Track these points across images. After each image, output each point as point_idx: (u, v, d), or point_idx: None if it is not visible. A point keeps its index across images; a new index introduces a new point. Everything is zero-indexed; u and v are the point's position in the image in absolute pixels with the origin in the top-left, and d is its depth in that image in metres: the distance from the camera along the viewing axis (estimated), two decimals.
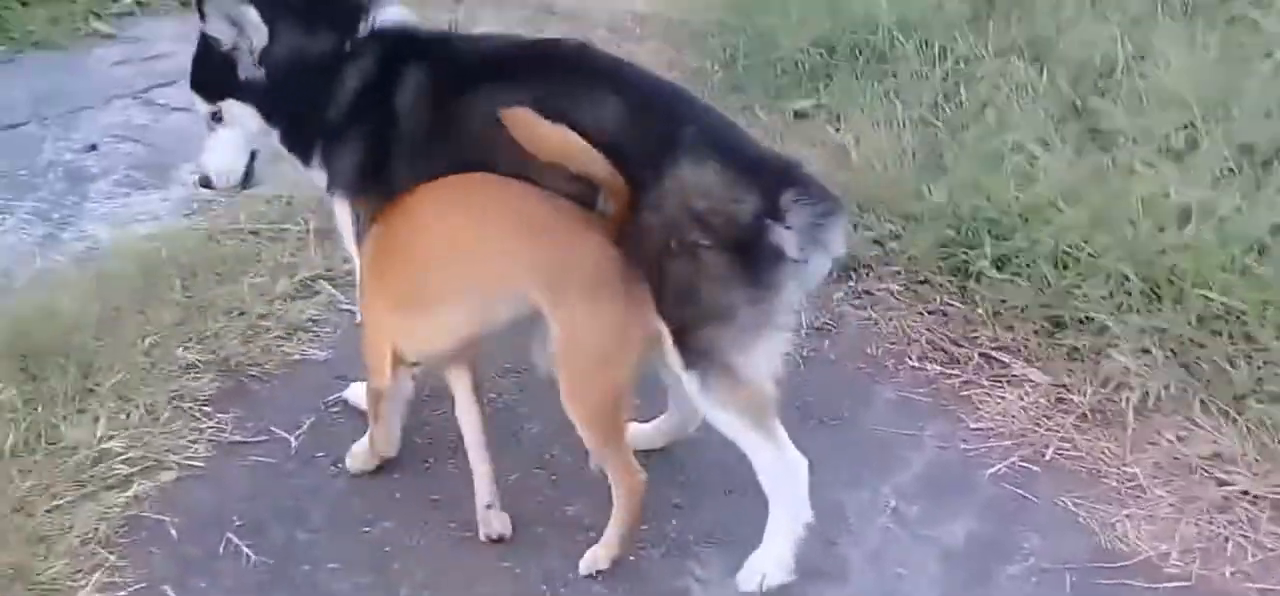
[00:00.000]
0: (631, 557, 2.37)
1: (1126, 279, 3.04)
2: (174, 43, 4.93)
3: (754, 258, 2.16)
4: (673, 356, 2.21)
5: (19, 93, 4.44)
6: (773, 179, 2.18)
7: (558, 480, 2.60)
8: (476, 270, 2.25)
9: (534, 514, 2.49)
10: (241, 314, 3.06)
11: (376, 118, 2.37)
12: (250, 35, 2.32)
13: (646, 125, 2.23)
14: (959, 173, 3.54)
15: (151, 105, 4.45)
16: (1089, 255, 3.13)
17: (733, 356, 2.19)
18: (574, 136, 2.14)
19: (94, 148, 4.06)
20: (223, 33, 2.34)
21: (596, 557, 2.32)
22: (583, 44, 2.50)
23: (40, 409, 2.62)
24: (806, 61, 4.58)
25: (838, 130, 4.13)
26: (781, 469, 2.28)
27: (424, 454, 2.66)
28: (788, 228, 2.13)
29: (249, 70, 2.36)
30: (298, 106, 2.40)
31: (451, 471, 2.59)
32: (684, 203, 2.15)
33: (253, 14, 2.31)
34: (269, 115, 2.41)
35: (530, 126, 2.16)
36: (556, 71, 2.36)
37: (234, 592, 2.28)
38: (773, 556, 2.30)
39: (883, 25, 4.51)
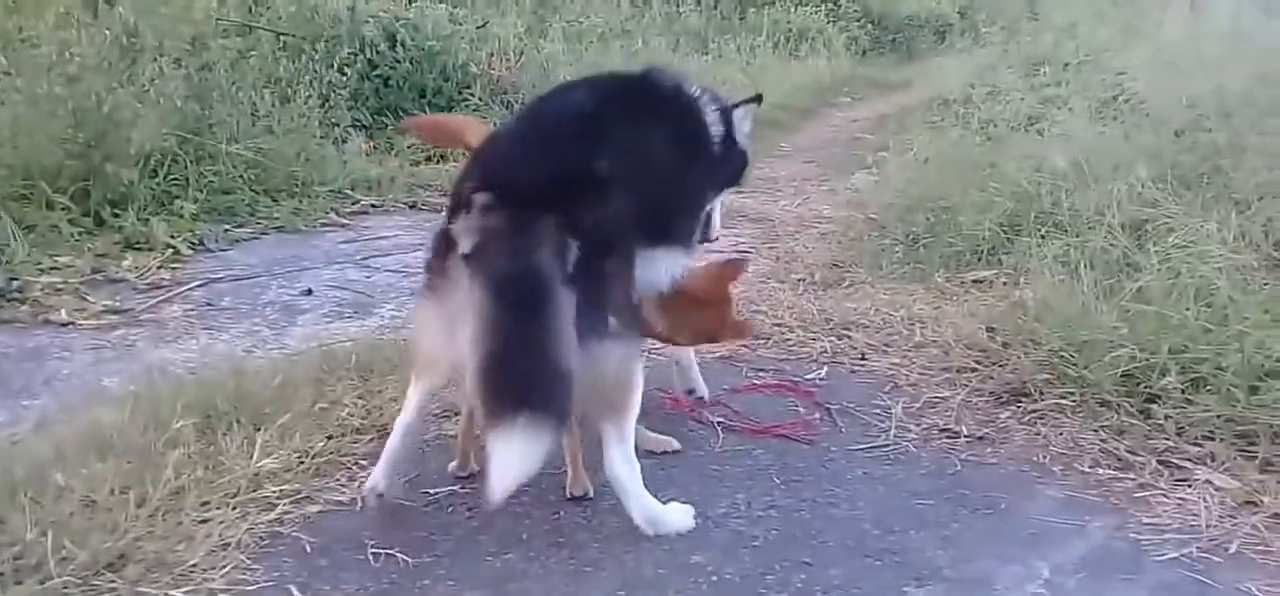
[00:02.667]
0: None
1: None
2: (397, 231, 5.49)
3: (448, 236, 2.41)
4: None
5: (255, 258, 4.96)
6: (484, 175, 2.43)
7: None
8: None
9: (659, 559, 2.43)
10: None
11: None
12: None
13: None
14: (1141, 304, 3.36)
15: (366, 267, 4.87)
16: None
17: None
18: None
19: (309, 292, 4.45)
20: None
21: None
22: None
23: (210, 446, 2.80)
24: (987, 239, 4.54)
25: (1017, 287, 4.02)
26: None
27: (556, 506, 2.66)
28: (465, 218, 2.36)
29: None
30: None
31: (579, 520, 2.59)
32: None
33: None
34: None
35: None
36: None
37: (356, 593, 2.31)
38: None
39: (1066, 205, 4.43)
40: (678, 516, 2.54)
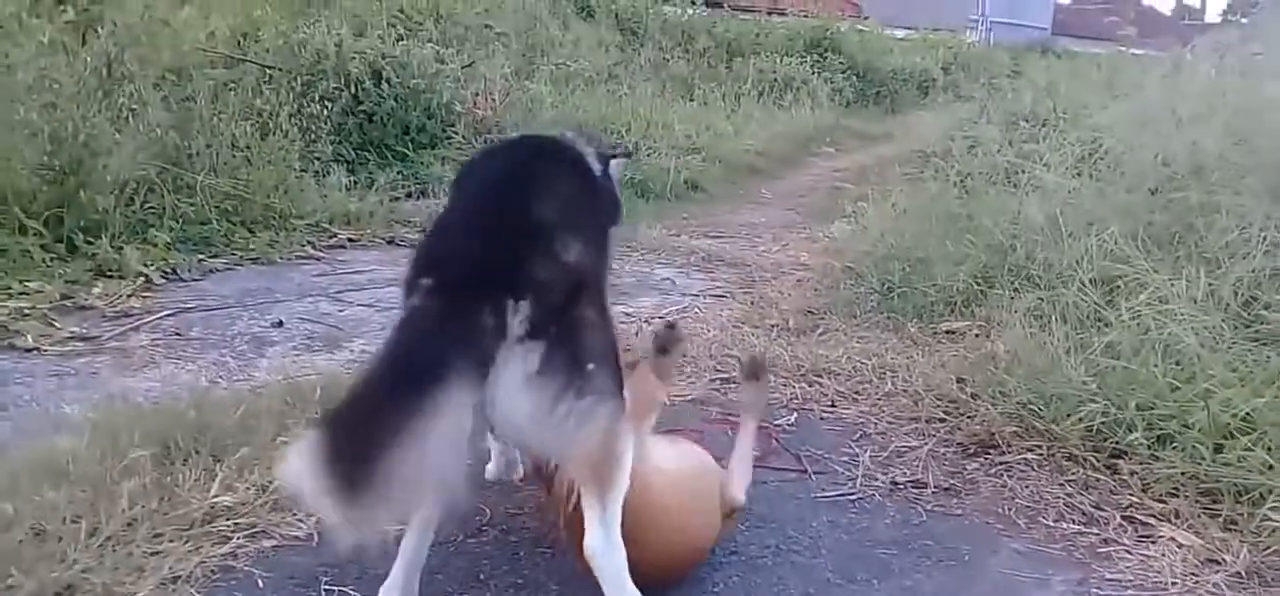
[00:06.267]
0: None
1: None
2: (373, 266, 5.46)
3: None
4: None
5: (228, 289, 4.93)
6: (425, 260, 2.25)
7: None
8: None
9: None
10: None
11: None
12: None
13: None
14: (1110, 360, 3.36)
15: (339, 301, 4.83)
16: (1248, 426, 2.87)
17: None
18: None
19: (280, 324, 4.41)
20: None
21: None
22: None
23: (167, 477, 2.76)
24: (961, 291, 4.56)
25: (988, 339, 4.03)
26: None
27: (516, 549, 2.63)
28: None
29: None
30: None
31: (540, 562, 2.57)
32: None
33: None
34: None
35: None
36: None
37: None
38: None
39: (1040, 259, 4.44)
40: None
